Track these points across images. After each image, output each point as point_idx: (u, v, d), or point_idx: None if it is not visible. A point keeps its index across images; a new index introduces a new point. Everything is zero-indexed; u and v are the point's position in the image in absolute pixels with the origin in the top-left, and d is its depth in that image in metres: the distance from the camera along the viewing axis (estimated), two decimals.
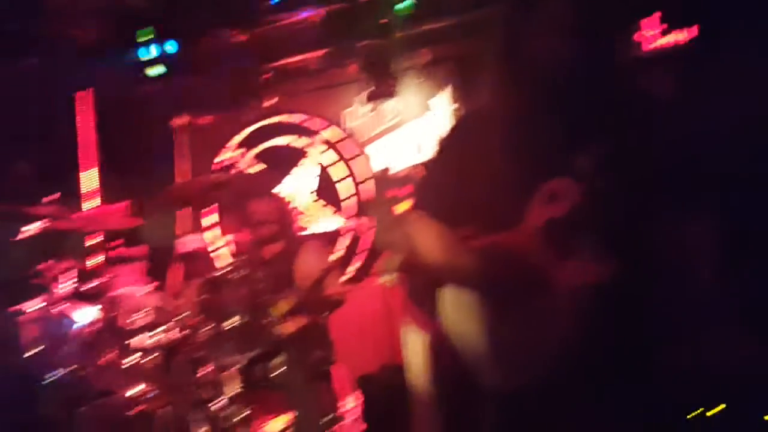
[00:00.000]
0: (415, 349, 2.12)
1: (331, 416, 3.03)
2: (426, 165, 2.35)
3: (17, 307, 4.02)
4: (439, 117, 4.48)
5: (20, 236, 2.88)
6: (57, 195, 3.42)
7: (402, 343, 2.59)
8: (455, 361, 1.56)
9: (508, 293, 1.49)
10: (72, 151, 4.88)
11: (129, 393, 2.83)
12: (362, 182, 4.58)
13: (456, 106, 4.42)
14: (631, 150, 1.51)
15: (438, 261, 1.60)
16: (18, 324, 3.79)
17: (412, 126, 4.58)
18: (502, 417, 1.53)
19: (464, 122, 1.80)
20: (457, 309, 1.57)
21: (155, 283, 3.95)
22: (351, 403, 3.83)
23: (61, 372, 2.64)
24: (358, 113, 4.72)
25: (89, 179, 4.88)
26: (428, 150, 4.46)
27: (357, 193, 4.61)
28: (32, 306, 2.95)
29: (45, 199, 3.20)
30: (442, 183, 1.66)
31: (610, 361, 1.41)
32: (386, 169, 4.25)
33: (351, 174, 4.64)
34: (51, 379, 2.76)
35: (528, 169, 1.50)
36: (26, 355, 2.87)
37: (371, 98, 4.50)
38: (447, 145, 1.74)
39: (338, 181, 4.66)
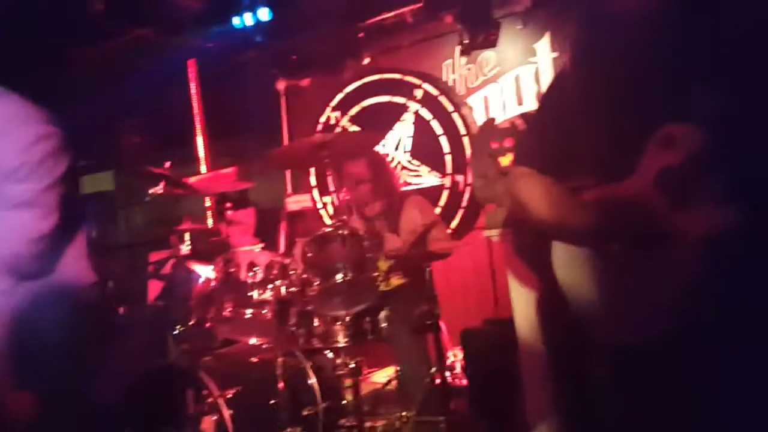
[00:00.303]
0: (522, 303, 2.11)
1: (434, 369, 3.09)
2: (528, 116, 2.28)
3: (148, 264, 4.38)
4: (540, 65, 4.31)
5: (147, 198, 3.08)
6: (169, 162, 3.63)
7: (510, 297, 2.58)
8: (567, 316, 1.53)
9: (623, 246, 1.43)
10: (183, 118, 5.13)
11: (249, 343, 3.03)
12: (463, 136, 4.52)
13: (557, 52, 4.23)
14: (756, 89, 1.38)
15: (547, 216, 1.55)
16: (148, 280, 4.12)
17: (512, 76, 4.44)
18: (618, 372, 1.49)
19: (567, 69, 1.71)
20: (570, 264, 1.53)
21: (264, 243, 4.16)
22: (454, 357, 3.89)
23: (187, 323, 2.83)
24: (456, 65, 4.64)
25: (200, 145, 5.13)
26: (530, 100, 4.32)
27: (458, 148, 4.56)
28: (160, 263, 3.17)
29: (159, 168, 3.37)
30: (547, 134, 1.60)
31: (733, 316, 1.33)
32: (487, 122, 4.16)
33: (451, 128, 4.59)
34: (178, 331, 2.98)
35: (639, 115, 1.41)
36: (155, 307, 3.11)
37: (469, 49, 4.38)
38: (550, 94, 1.68)
39: (439, 136, 4.63)
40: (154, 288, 4.17)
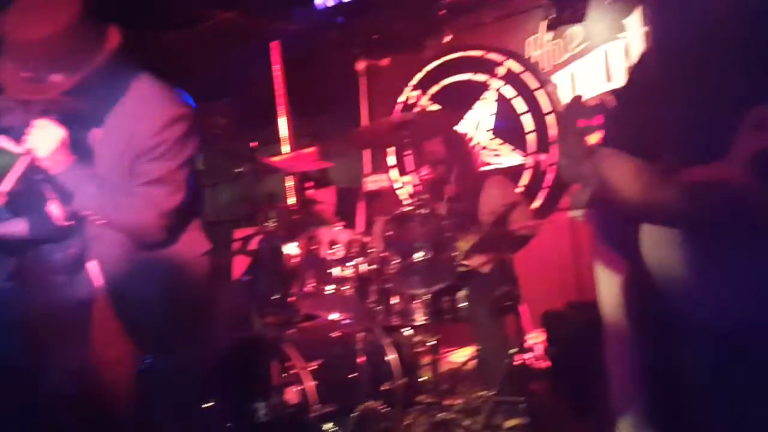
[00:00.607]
0: (608, 286, 2.05)
1: (513, 351, 3.06)
2: (617, 93, 2.19)
3: (232, 241, 4.54)
4: (629, 40, 4.13)
5: (235, 176, 3.19)
6: (255, 142, 3.74)
7: (594, 280, 2.51)
8: (656, 300, 1.49)
9: (715, 230, 1.37)
10: (267, 99, 5.24)
11: (330, 318, 3.10)
12: (547, 113, 4.40)
13: (648, 27, 4.02)
14: None
15: (635, 198, 1.50)
16: (233, 255, 4.27)
17: (600, 51, 4.27)
18: (707, 359, 1.44)
19: (658, 45, 1.64)
20: (659, 247, 1.48)
21: (344, 221, 4.23)
22: (534, 340, 3.83)
23: (271, 298, 2.92)
24: (541, 41, 4.51)
25: (283, 126, 5.23)
26: (619, 77, 4.15)
27: (542, 126, 4.45)
28: (246, 240, 3.28)
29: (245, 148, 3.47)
30: (636, 112, 1.55)
31: None
32: (574, 99, 4.03)
33: (535, 106, 4.48)
34: (262, 304, 3.08)
35: (733, 94, 1.34)
36: (241, 282, 3.22)
37: (556, 24, 4.23)
38: (639, 71, 1.61)
39: (522, 114, 4.53)
40: (240, 264, 4.32)
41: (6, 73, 1.79)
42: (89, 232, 2.16)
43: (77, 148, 1.91)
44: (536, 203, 4.41)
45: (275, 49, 5.17)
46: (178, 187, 1.94)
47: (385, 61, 5.00)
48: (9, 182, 1.83)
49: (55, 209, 2.16)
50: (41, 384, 2.76)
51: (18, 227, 2.99)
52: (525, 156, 4.53)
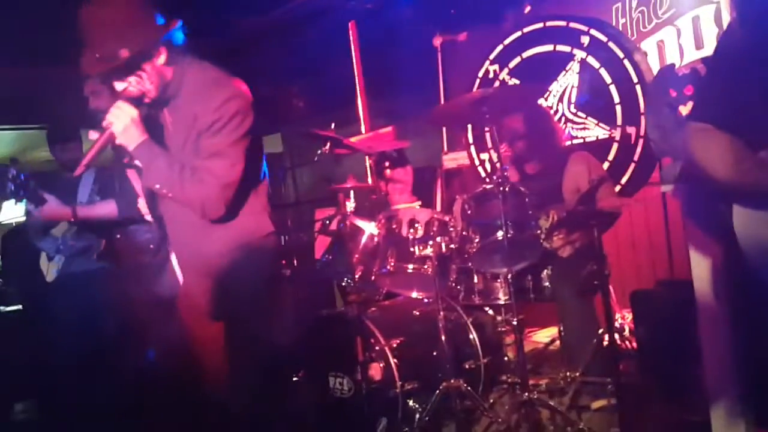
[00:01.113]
0: (702, 265, 1.94)
1: (601, 331, 2.98)
2: (707, 62, 2.06)
3: (314, 221, 4.63)
4: (721, 4, 3.86)
5: (315, 158, 3.24)
6: (333, 124, 3.77)
7: (687, 258, 2.39)
8: (752, 281, 1.40)
9: None
10: (344, 80, 5.27)
11: (410, 296, 3.11)
12: (636, 84, 4.20)
13: None
14: None
15: (729, 175, 1.42)
16: (316, 235, 4.36)
17: (689, 17, 4.02)
18: None
19: (750, 10, 1.51)
20: (753, 225, 1.39)
21: (421, 200, 4.21)
22: (622, 320, 3.71)
23: (352, 276, 2.96)
24: (627, 9, 4.29)
25: (360, 106, 5.25)
26: (710, 44, 3.90)
27: (630, 97, 4.26)
28: (327, 220, 3.33)
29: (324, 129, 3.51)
30: (725, 84, 1.45)
31: None
32: (665, 68, 3.83)
33: (622, 76, 4.28)
34: (344, 283, 3.13)
35: None
36: (323, 262, 3.28)
37: None
38: (731, 39, 1.50)
39: (608, 85, 4.35)
40: (321, 243, 4.41)
41: (85, 56, 2.03)
42: (167, 216, 2.33)
43: (151, 129, 2.13)
44: (624, 178, 4.23)
45: (352, 29, 5.18)
46: (236, 160, 2.10)
47: (462, 36, 4.90)
48: (90, 155, 2.08)
49: (139, 191, 2.34)
50: (132, 361, 2.93)
51: (107, 209, 3.20)
52: (612, 129, 4.35)
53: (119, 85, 2.10)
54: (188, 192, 2.08)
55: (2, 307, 5.01)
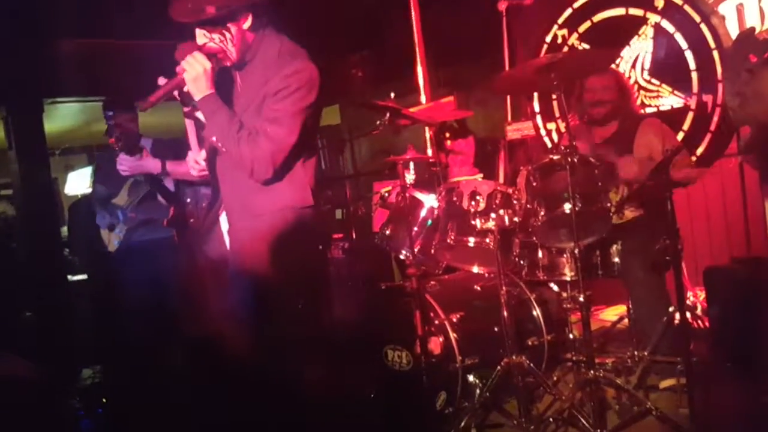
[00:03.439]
0: None
1: (672, 309, 2.84)
2: None
3: (372, 193, 4.59)
4: None
5: (375, 130, 3.18)
6: (393, 94, 3.69)
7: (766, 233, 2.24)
8: None
9: None
10: (403, 49, 5.15)
11: (471, 270, 3.04)
12: (713, 49, 3.95)
13: None
14: None
15: None
16: (374, 207, 4.32)
17: None
18: None
19: None
20: None
21: (482, 172, 4.10)
22: (693, 297, 3.55)
23: (412, 250, 2.90)
24: None
25: (420, 76, 5.12)
26: None
27: (707, 63, 4.01)
28: (386, 192, 3.28)
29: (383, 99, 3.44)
30: None
31: None
32: (745, 32, 3.57)
33: (698, 41, 4.03)
34: (402, 256, 3.08)
35: None
36: (381, 235, 3.23)
37: None
38: None
39: (683, 51, 4.10)
40: (380, 216, 4.37)
41: (176, 4, 2.13)
42: (221, 173, 2.39)
43: (219, 86, 2.21)
44: (700, 149, 4.01)
45: None
46: (293, 129, 2.18)
47: (528, 0, 4.71)
48: (158, 93, 2.16)
49: (197, 158, 2.43)
50: (190, 328, 2.98)
51: (184, 167, 3.16)
52: (687, 97, 4.11)
53: (201, 39, 2.19)
54: (242, 150, 2.16)
55: (69, 276, 5.21)
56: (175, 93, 2.20)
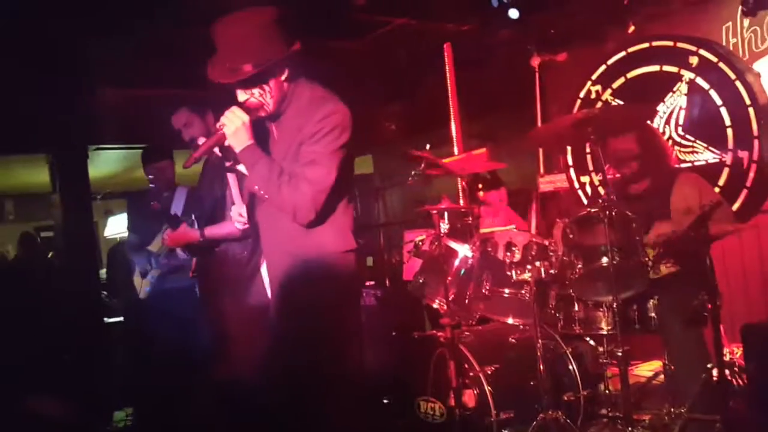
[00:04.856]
0: None
1: (710, 365, 2.79)
2: None
3: (403, 242, 4.61)
4: None
5: (410, 180, 3.23)
6: (429, 145, 3.74)
7: None
8: None
9: None
10: (438, 101, 5.25)
11: (506, 322, 3.03)
12: (749, 106, 3.96)
13: None
14: None
15: None
16: (407, 256, 4.34)
17: None
18: None
19: None
20: None
21: (517, 223, 4.10)
22: (731, 354, 3.46)
23: (445, 299, 2.90)
24: (738, 28, 4.08)
25: (453, 127, 5.20)
26: None
27: (742, 120, 4.02)
28: (420, 241, 3.30)
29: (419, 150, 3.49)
30: None
31: None
32: None
33: (733, 98, 4.05)
34: (436, 305, 3.08)
35: None
36: (415, 283, 3.24)
37: (754, 9, 3.84)
38: None
39: (718, 107, 4.12)
40: (411, 265, 4.38)
41: (214, 66, 2.21)
42: (262, 222, 2.42)
43: (257, 137, 2.26)
44: (735, 205, 3.98)
45: (447, 50, 5.17)
46: (331, 169, 2.22)
47: (561, 57, 4.79)
48: (201, 150, 2.24)
49: (241, 211, 2.49)
50: (224, 374, 2.98)
51: (229, 228, 3.20)
52: (722, 153, 4.11)
53: (242, 96, 2.25)
54: (284, 195, 2.19)
55: (106, 319, 5.29)
56: (216, 149, 2.26)
